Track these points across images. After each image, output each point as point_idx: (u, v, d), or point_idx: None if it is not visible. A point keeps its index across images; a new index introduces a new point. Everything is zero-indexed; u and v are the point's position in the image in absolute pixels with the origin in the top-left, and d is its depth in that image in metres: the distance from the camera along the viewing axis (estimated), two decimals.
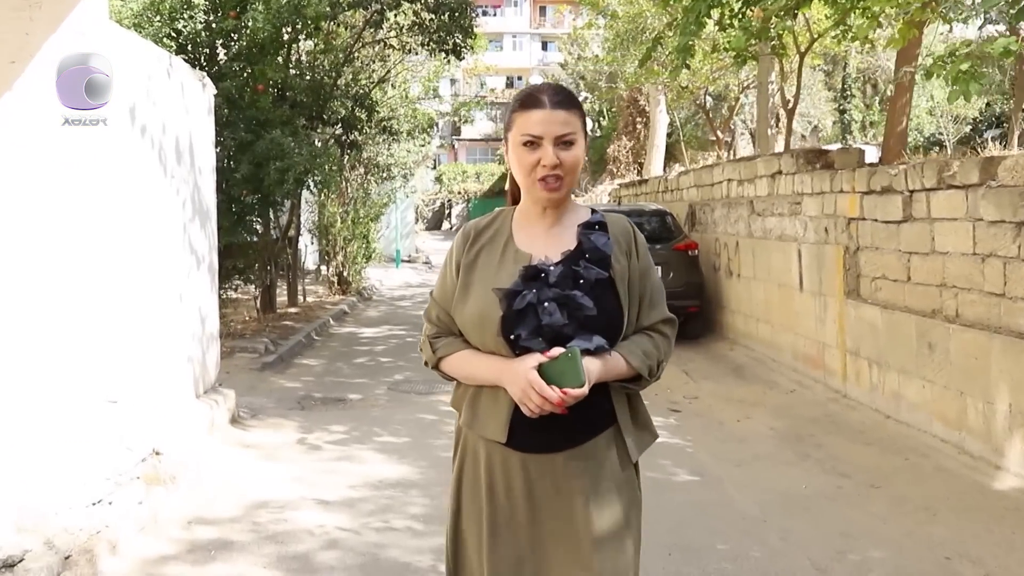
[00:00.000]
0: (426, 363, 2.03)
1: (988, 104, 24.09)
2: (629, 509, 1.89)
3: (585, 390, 1.74)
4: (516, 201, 2.01)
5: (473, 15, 11.86)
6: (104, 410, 4.02)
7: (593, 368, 1.79)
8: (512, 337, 1.82)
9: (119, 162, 4.33)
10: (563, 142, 1.84)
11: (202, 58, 8.77)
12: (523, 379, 1.77)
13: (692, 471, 4.96)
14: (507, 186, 2.08)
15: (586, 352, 1.78)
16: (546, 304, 1.81)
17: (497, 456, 1.88)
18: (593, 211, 2.00)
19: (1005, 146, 7.08)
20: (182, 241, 5.49)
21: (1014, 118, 8.74)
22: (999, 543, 3.88)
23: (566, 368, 1.74)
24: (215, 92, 6.27)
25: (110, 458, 3.91)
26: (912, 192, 5.86)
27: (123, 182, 4.42)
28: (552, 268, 1.86)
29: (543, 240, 1.92)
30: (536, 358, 1.77)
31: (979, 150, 5.82)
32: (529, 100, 1.87)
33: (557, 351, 1.76)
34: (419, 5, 11.42)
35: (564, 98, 1.87)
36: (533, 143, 1.84)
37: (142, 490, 4.06)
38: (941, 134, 24.82)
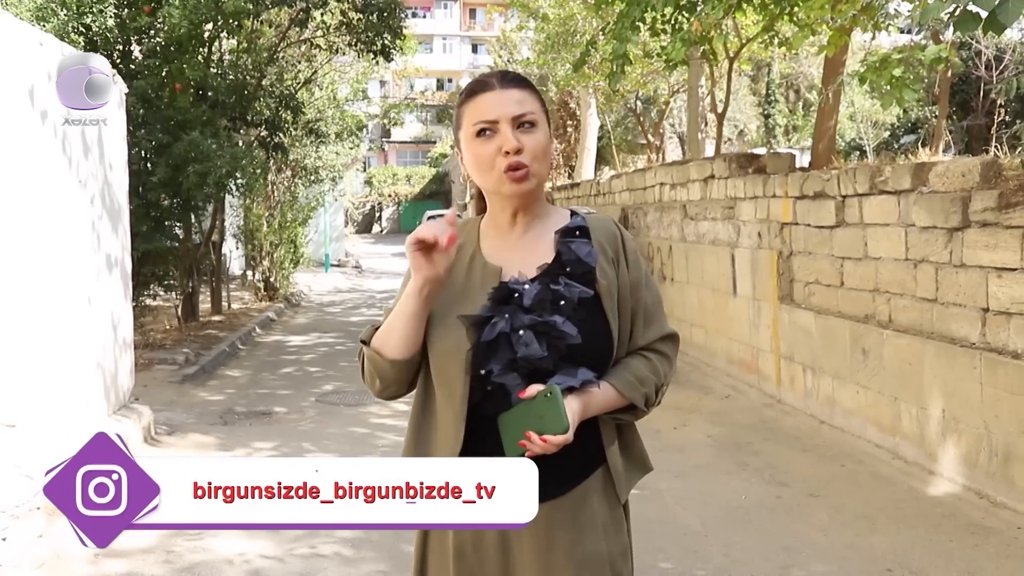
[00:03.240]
0: (361, 343, 1.65)
1: (905, 111, 24.89)
2: (617, 559, 1.65)
3: (569, 436, 1.47)
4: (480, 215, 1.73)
5: (402, 15, 11.61)
6: None
7: (576, 406, 1.52)
8: (483, 373, 1.54)
9: (18, 151, 4.01)
10: (523, 123, 1.57)
11: (115, 55, 8.33)
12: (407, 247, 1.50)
13: None
14: (469, 197, 1.76)
15: (570, 390, 1.52)
16: (521, 333, 1.53)
17: None
18: (573, 213, 1.70)
19: (928, 150, 7.20)
20: (91, 240, 5.15)
21: (939, 125, 8.94)
22: (939, 553, 3.85)
23: (545, 411, 1.47)
24: (127, 90, 5.92)
25: (5, 489, 3.58)
26: (845, 197, 5.87)
27: (21, 173, 4.09)
28: (527, 287, 1.57)
29: (516, 251, 1.63)
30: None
31: (907, 155, 5.88)
32: (477, 85, 1.62)
33: (534, 390, 1.50)
34: (346, 4, 11.12)
35: (515, 77, 1.63)
36: (488, 130, 1.57)
37: (43, 522, 3.73)
38: (861, 139, 25.54)
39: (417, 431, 1.64)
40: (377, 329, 1.63)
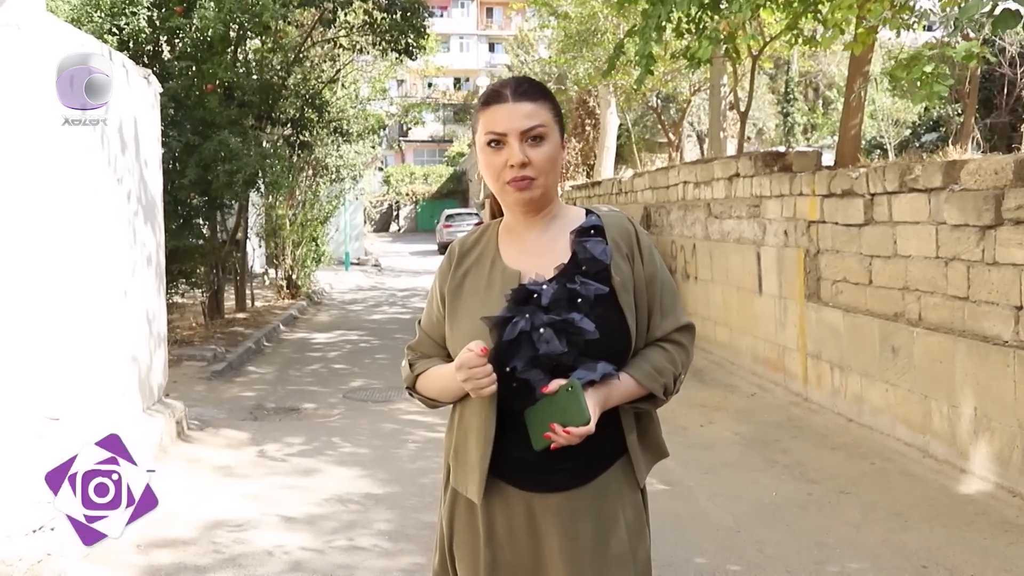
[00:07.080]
0: (407, 389, 1.85)
1: (927, 108, 24.70)
2: (637, 546, 1.72)
3: (591, 427, 1.55)
4: (495, 215, 1.82)
5: (425, 15, 11.69)
6: (44, 428, 3.76)
7: (598, 398, 1.60)
8: (508, 370, 1.62)
9: (58, 147, 4.09)
10: (531, 137, 1.66)
11: (145, 56, 8.43)
12: (459, 360, 1.59)
13: (662, 480, 4.86)
14: (483, 198, 1.87)
15: (590, 383, 1.59)
16: (541, 331, 1.62)
17: (498, 497, 1.68)
18: (589, 212, 1.79)
19: (959, 147, 7.17)
20: (127, 235, 5.23)
21: (967, 122, 8.89)
22: (973, 550, 3.86)
23: (567, 404, 1.55)
24: (160, 90, 6.01)
25: None
26: (873, 195, 5.87)
27: (62, 169, 4.17)
28: (545, 287, 1.65)
29: (533, 253, 1.72)
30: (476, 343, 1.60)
31: (931, 153, 5.86)
32: (491, 96, 1.71)
33: (556, 384, 1.57)
34: (371, 4, 11.20)
35: (529, 88, 1.70)
36: (498, 142, 1.67)
37: None
38: (882, 137, 25.37)
39: (453, 428, 1.77)
40: (413, 367, 1.81)
